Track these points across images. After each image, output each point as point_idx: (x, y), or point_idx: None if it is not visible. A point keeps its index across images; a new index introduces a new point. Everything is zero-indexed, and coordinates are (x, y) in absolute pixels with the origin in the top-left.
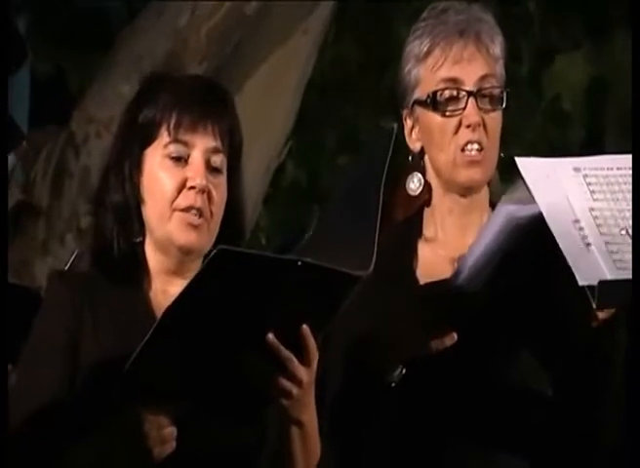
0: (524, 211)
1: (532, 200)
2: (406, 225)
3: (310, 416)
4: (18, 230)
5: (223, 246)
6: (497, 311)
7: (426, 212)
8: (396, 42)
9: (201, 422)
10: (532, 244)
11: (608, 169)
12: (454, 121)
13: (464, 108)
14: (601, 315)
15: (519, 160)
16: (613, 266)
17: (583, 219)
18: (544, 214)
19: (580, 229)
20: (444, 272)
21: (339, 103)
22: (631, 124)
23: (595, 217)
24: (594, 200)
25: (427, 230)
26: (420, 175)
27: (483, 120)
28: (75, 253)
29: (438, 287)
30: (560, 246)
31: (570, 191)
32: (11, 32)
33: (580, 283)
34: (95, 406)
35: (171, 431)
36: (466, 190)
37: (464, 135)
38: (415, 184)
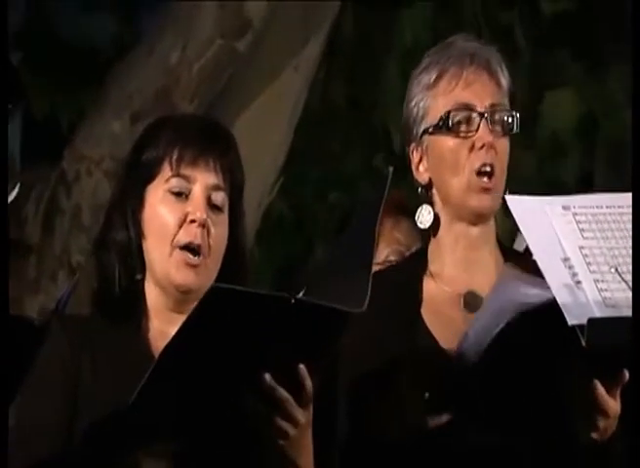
0: (524, 295)
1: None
2: (410, 261)
3: (307, 458)
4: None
5: (217, 284)
6: (494, 394)
7: (432, 246)
8: (385, 80)
9: (199, 462)
10: (533, 329)
11: (597, 207)
12: (467, 143)
13: (477, 130)
14: (602, 424)
15: (509, 198)
16: (602, 304)
17: (573, 258)
18: (534, 252)
19: (570, 267)
20: (449, 310)
21: (327, 140)
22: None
23: (585, 256)
24: (584, 238)
25: (433, 265)
26: (429, 207)
27: (494, 144)
28: (67, 289)
29: (440, 362)
30: (549, 284)
31: (559, 229)
32: (7, 69)
33: (570, 322)
34: (95, 449)
35: None
36: (476, 218)
37: (478, 156)
38: (424, 217)
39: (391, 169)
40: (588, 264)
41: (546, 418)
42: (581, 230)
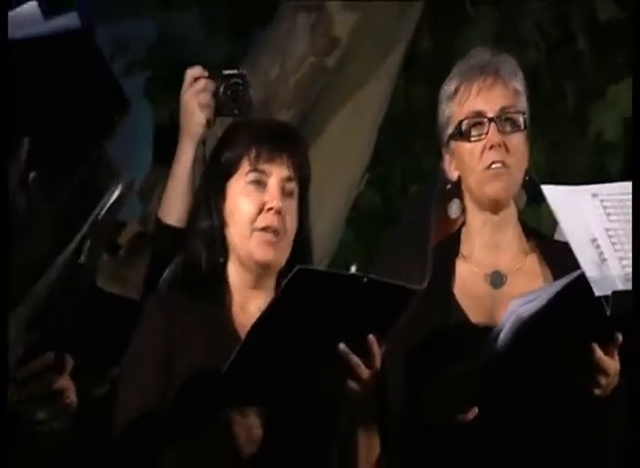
0: (528, 309)
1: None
2: (446, 245)
3: (373, 416)
4: (134, 256)
5: (302, 266)
6: (514, 389)
7: (463, 232)
8: None
9: (283, 424)
10: (535, 335)
11: (622, 194)
12: (479, 145)
13: (487, 133)
14: (604, 381)
15: (545, 188)
16: (624, 279)
17: (600, 238)
18: (566, 235)
19: (597, 247)
20: (477, 287)
21: (408, 138)
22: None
23: (610, 236)
24: (610, 221)
25: (464, 248)
26: (458, 200)
27: (505, 142)
28: (166, 273)
29: (467, 365)
30: (579, 261)
31: (589, 214)
32: (110, 84)
33: (597, 294)
34: (188, 412)
35: (258, 432)
36: (495, 205)
37: (489, 155)
38: (454, 209)
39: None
40: (613, 244)
41: (564, 378)
42: (608, 214)
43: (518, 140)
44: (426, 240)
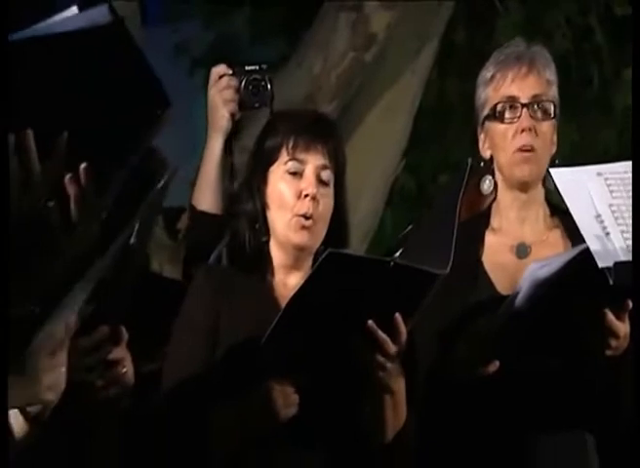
0: (545, 272)
1: (553, 263)
2: (478, 218)
3: (400, 387)
4: None
5: (332, 249)
6: (531, 346)
7: (494, 207)
8: None
9: (317, 391)
10: (551, 296)
11: (625, 172)
12: (512, 128)
13: (520, 116)
14: (614, 343)
15: (552, 170)
16: (626, 250)
17: (604, 214)
18: (572, 211)
19: (601, 222)
20: (503, 257)
21: (442, 127)
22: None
23: (613, 212)
24: (613, 198)
25: (494, 222)
26: (490, 177)
27: (535, 127)
28: (217, 250)
29: (489, 323)
30: (584, 236)
31: (593, 191)
32: (149, 80)
33: (600, 265)
34: (232, 377)
35: (295, 397)
36: (523, 185)
37: (520, 138)
38: (487, 185)
39: (470, 160)
40: (616, 219)
41: (577, 338)
42: (611, 191)
43: (548, 127)
44: (452, 226)
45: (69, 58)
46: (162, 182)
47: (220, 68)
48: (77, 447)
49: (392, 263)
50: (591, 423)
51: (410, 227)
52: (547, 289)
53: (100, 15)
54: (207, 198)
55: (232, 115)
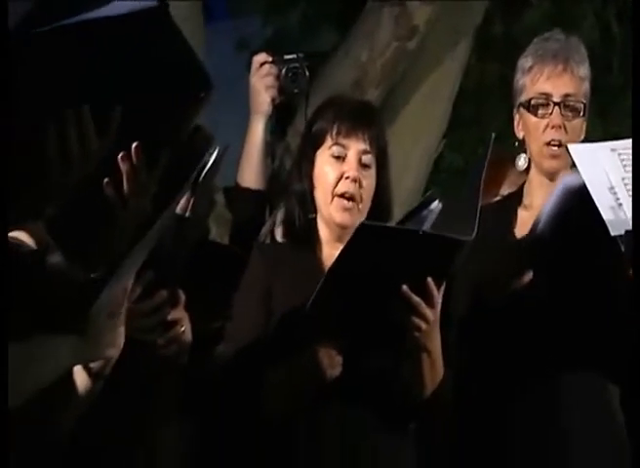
0: (576, 179)
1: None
2: (513, 196)
3: (436, 345)
4: None
5: (364, 221)
6: (558, 254)
7: (526, 186)
8: None
9: (359, 352)
10: (579, 204)
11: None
12: (543, 122)
13: (551, 114)
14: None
15: (570, 146)
16: None
17: (617, 186)
18: (587, 184)
19: (614, 194)
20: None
21: (482, 108)
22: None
23: (626, 184)
24: (626, 172)
25: (526, 199)
26: (525, 155)
27: (565, 125)
28: (268, 225)
29: (522, 241)
30: (598, 206)
31: (607, 166)
32: (193, 63)
33: (612, 233)
34: (283, 341)
35: (338, 359)
36: (551, 176)
37: (549, 133)
38: (521, 162)
39: (493, 135)
40: (628, 191)
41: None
42: (624, 166)
43: (577, 124)
44: (477, 195)
45: (117, 42)
46: (212, 160)
47: (261, 56)
48: (137, 401)
49: (421, 232)
50: (617, 371)
51: (430, 192)
52: (576, 195)
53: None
54: (249, 176)
55: (273, 100)
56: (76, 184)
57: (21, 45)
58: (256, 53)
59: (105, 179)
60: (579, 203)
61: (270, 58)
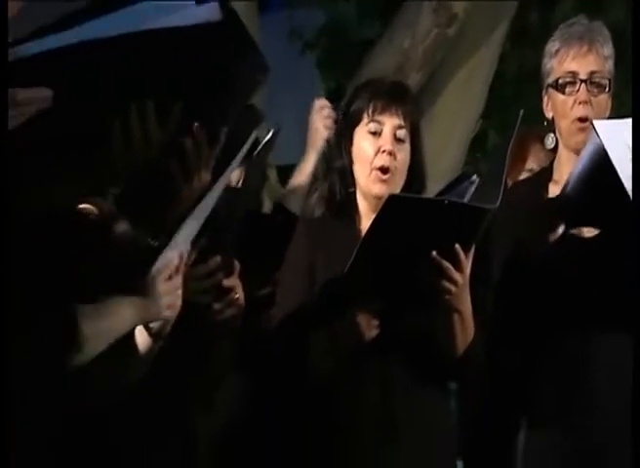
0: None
1: None
2: (543, 172)
3: (466, 307)
4: None
5: (393, 193)
6: (585, 209)
7: (555, 163)
8: None
9: (395, 314)
10: (601, 167)
11: None
12: (571, 99)
13: (578, 90)
14: None
15: (595, 122)
16: None
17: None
18: (610, 156)
19: (630, 151)
20: None
21: (519, 90)
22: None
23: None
24: None
25: (555, 175)
26: (553, 134)
27: (591, 100)
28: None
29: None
30: (619, 175)
31: (629, 139)
32: (252, 50)
33: (631, 197)
34: (325, 305)
35: (375, 321)
36: (579, 151)
37: (577, 109)
38: (550, 141)
39: (522, 111)
40: None
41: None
42: None
43: (603, 99)
44: (503, 166)
45: (185, 47)
46: (267, 139)
47: (322, 102)
48: (195, 361)
49: (446, 202)
50: None
51: (466, 167)
52: (601, 160)
53: (209, 13)
54: (297, 198)
55: (328, 140)
56: (142, 162)
57: (93, 48)
58: (318, 97)
59: (171, 158)
60: (601, 166)
61: (330, 104)
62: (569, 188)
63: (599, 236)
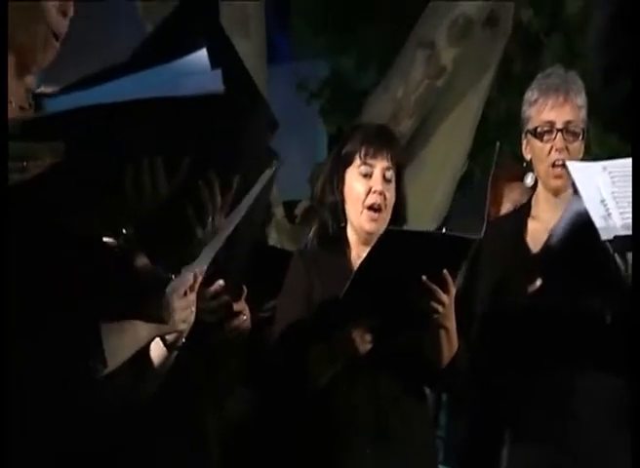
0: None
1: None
2: (522, 208)
3: (451, 324)
4: (305, 223)
5: (389, 227)
6: (566, 265)
7: (534, 199)
8: None
9: (387, 331)
10: (583, 226)
11: (625, 166)
12: (548, 146)
13: (555, 139)
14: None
15: (568, 163)
16: (624, 228)
17: (608, 199)
18: (582, 197)
19: (605, 205)
20: (541, 237)
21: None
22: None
23: (615, 197)
24: (615, 187)
25: (534, 211)
26: (532, 174)
27: (567, 147)
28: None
29: (535, 256)
30: (591, 215)
31: (600, 181)
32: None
33: (602, 238)
34: (322, 324)
35: (369, 337)
36: (556, 192)
37: (554, 155)
38: (529, 180)
39: (498, 144)
40: (617, 203)
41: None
42: (614, 182)
43: (577, 146)
44: (484, 199)
45: (199, 112)
46: (268, 177)
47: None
48: (205, 373)
49: (443, 234)
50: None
51: (454, 201)
52: (583, 219)
53: (211, 82)
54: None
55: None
56: (160, 205)
57: (115, 111)
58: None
59: (186, 203)
60: (582, 225)
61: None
62: (550, 244)
63: (574, 286)
